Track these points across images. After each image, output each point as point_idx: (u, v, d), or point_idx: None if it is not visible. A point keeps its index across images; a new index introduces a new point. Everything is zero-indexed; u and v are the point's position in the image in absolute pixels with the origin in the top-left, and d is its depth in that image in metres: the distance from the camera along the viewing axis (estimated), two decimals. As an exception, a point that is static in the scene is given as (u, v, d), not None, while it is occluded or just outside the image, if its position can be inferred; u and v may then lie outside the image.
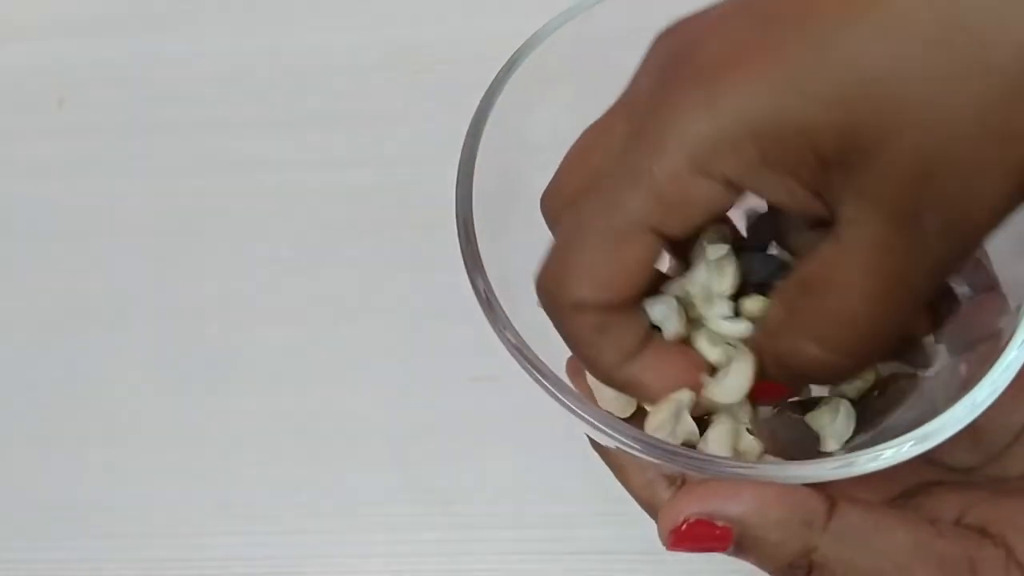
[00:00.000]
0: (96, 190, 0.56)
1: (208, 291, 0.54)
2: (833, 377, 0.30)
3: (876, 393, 0.33)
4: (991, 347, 0.29)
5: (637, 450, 0.27)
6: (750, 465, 0.27)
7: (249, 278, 0.53)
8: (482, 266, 0.30)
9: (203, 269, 0.54)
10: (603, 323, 0.27)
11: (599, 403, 0.32)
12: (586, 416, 0.28)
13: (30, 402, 0.53)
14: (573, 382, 0.33)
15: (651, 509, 0.31)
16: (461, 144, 0.34)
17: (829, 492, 0.26)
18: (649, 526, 0.34)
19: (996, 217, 0.24)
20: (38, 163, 0.57)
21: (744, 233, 0.33)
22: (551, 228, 0.30)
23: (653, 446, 0.27)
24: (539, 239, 0.30)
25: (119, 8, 0.59)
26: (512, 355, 0.29)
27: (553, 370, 0.29)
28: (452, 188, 0.35)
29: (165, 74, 0.57)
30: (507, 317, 0.29)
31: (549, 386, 0.28)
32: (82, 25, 0.59)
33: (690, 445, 0.29)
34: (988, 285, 0.31)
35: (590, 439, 0.31)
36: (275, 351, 0.52)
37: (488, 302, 0.30)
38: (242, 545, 0.49)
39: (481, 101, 0.32)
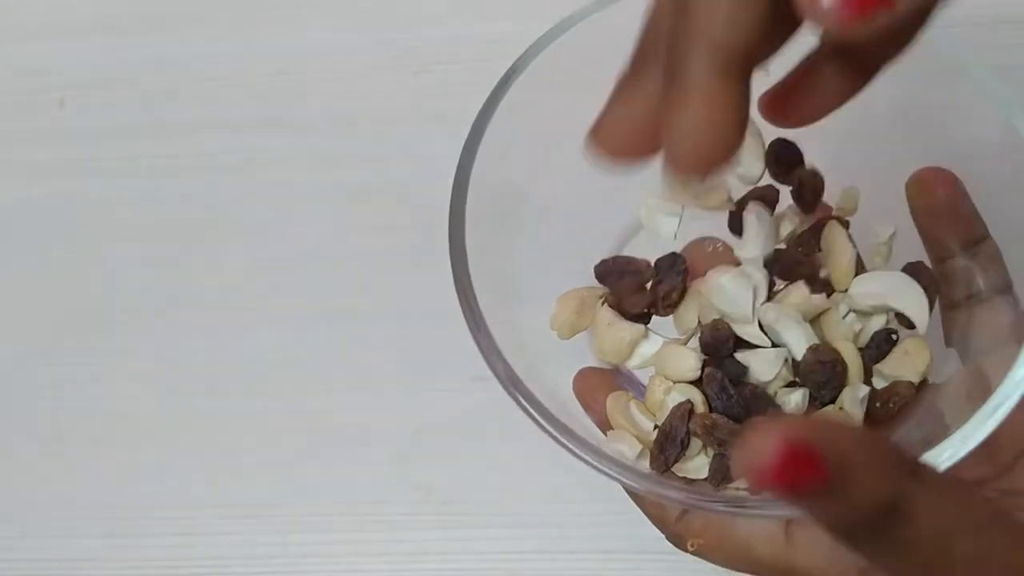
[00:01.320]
0: (96, 190, 0.56)
1: (208, 291, 0.54)
2: None
3: (877, 404, 0.32)
4: (1008, 352, 0.28)
5: (654, 491, 0.27)
6: (759, 501, 0.27)
7: (249, 278, 0.53)
8: (499, 351, 0.29)
9: (203, 269, 0.54)
10: None
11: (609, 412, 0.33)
12: (602, 467, 0.28)
13: (31, 402, 0.53)
14: (585, 404, 0.33)
15: (660, 522, 0.31)
16: (460, 144, 0.34)
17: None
18: (647, 526, 0.34)
19: None
20: (38, 163, 0.57)
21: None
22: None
23: (664, 486, 0.27)
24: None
25: (119, 8, 0.59)
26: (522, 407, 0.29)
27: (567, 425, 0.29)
28: (451, 188, 0.35)
29: (165, 74, 0.57)
30: (515, 374, 0.29)
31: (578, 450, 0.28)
32: (82, 25, 0.59)
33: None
34: (1003, 286, 0.30)
35: None
36: (275, 351, 0.52)
37: (511, 382, 0.29)
38: (242, 545, 0.49)
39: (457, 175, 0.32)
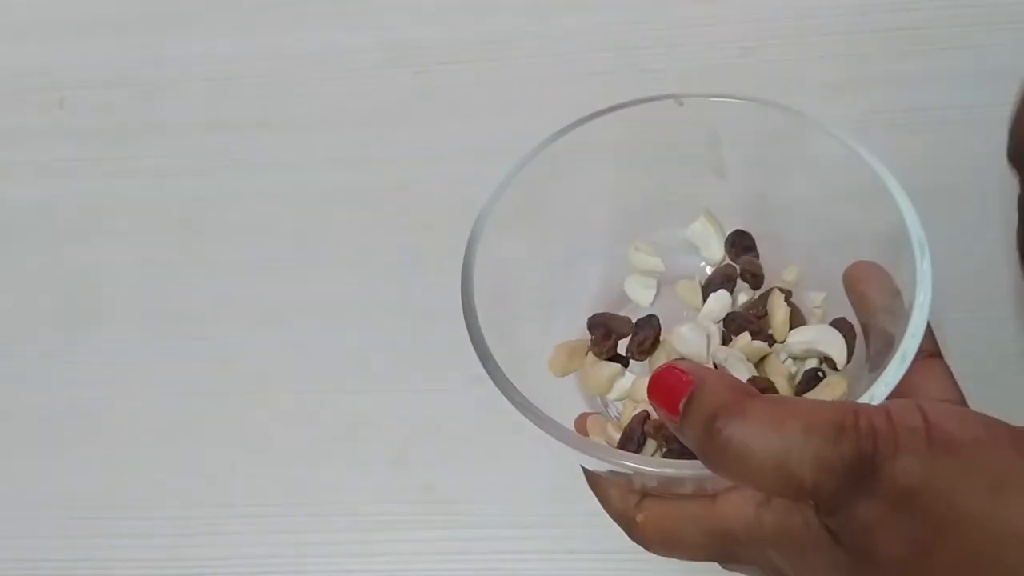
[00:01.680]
0: (96, 190, 0.56)
1: (208, 291, 0.54)
2: None
3: None
4: None
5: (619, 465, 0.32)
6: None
7: (249, 278, 0.53)
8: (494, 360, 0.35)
9: (203, 269, 0.54)
10: None
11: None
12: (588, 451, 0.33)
13: (31, 402, 0.53)
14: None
15: (623, 520, 0.35)
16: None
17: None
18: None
19: None
20: (38, 163, 0.57)
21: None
22: None
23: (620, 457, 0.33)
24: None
25: (119, 8, 0.59)
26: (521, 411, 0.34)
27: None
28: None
29: (165, 74, 0.57)
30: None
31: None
32: (82, 25, 0.59)
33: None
34: (930, 351, 0.35)
35: (584, 470, 0.36)
36: (275, 351, 0.52)
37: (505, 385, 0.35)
38: (242, 545, 0.49)
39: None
